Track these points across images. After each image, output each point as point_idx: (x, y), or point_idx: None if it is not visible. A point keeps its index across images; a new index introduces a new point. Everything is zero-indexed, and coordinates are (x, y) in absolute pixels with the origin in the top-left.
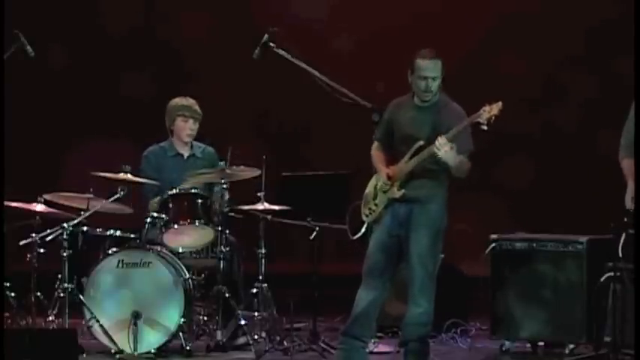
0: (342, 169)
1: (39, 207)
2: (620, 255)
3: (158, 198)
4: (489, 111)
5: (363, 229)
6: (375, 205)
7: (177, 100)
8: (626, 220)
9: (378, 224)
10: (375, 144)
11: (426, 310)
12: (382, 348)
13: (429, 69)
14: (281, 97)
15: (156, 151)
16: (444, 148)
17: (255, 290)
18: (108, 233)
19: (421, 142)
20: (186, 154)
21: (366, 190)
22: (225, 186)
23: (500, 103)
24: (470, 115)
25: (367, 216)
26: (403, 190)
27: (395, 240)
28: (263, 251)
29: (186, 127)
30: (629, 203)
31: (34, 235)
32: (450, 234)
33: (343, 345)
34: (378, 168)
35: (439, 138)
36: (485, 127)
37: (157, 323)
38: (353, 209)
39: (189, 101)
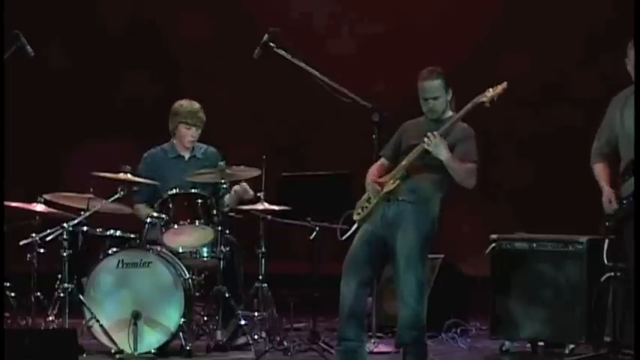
0: (342, 169)
1: (39, 207)
2: (606, 262)
3: (144, 205)
4: (493, 90)
5: (352, 229)
6: (368, 203)
7: (184, 105)
8: (607, 224)
9: (366, 222)
10: (379, 160)
11: (416, 311)
12: (382, 348)
13: (428, 90)
14: (281, 97)
15: (155, 154)
16: (433, 141)
17: (255, 290)
18: (108, 233)
19: (422, 144)
20: (187, 156)
21: (362, 198)
22: (225, 186)
23: (505, 83)
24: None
25: (358, 214)
26: (398, 181)
27: (380, 241)
28: (263, 251)
29: (188, 135)
30: (607, 207)
31: (34, 235)
32: (450, 234)
33: (341, 347)
34: (369, 180)
35: (429, 133)
36: (487, 105)
37: (157, 323)
38: (347, 216)
39: (194, 106)
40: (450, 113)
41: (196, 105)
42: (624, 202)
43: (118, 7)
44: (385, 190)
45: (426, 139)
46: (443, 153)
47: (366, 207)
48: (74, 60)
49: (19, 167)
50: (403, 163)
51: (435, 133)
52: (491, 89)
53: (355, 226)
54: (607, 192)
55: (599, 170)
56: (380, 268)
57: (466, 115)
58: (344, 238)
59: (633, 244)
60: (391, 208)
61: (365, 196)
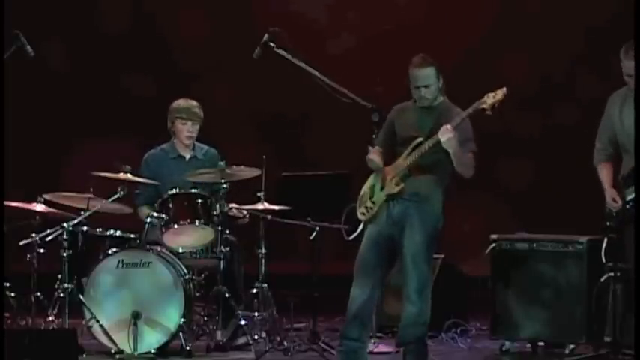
0: (342, 169)
1: (39, 207)
2: (604, 260)
3: (146, 207)
4: (494, 96)
5: (359, 229)
6: (373, 203)
7: (178, 102)
8: (608, 223)
9: (373, 223)
10: (374, 148)
11: (422, 309)
12: (382, 348)
13: (420, 78)
14: (281, 97)
15: (156, 155)
16: (447, 135)
17: (255, 290)
18: (108, 233)
19: (420, 139)
20: (187, 156)
21: (362, 191)
22: (225, 186)
23: (504, 89)
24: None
25: (364, 214)
26: (402, 185)
27: (388, 239)
28: (263, 251)
29: (184, 130)
30: (612, 205)
31: (34, 235)
32: (451, 234)
33: (343, 347)
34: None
35: (443, 126)
36: (489, 112)
37: (157, 323)
38: (349, 211)
39: (190, 103)
40: (440, 99)
41: (193, 102)
42: (626, 205)
43: (118, 7)
44: (387, 191)
45: (440, 131)
46: (453, 147)
47: (371, 208)
48: (74, 60)
49: (19, 167)
50: (405, 162)
51: (449, 126)
52: (491, 94)
53: (361, 226)
54: (610, 192)
55: (603, 173)
56: (390, 266)
57: (465, 118)
58: (351, 238)
59: (634, 247)
60: (396, 207)
61: (366, 190)
